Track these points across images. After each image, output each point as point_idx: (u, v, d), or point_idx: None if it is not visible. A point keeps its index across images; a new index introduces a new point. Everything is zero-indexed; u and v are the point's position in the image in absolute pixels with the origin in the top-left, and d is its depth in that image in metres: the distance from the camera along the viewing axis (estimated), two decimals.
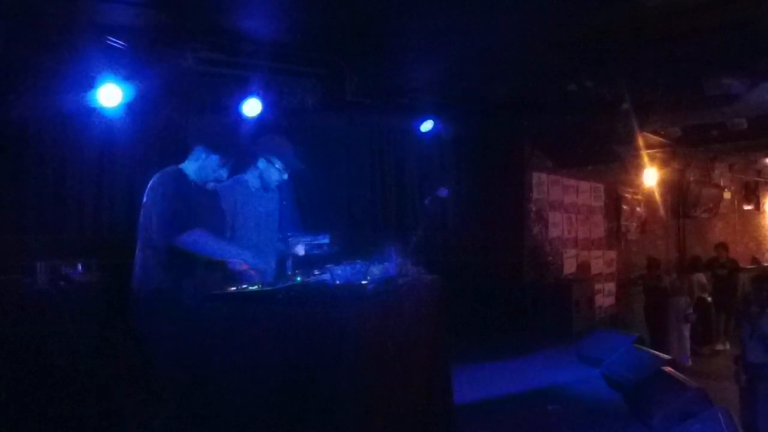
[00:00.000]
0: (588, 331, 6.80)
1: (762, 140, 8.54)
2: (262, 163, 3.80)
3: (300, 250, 3.73)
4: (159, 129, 4.91)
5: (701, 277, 9.53)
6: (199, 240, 3.08)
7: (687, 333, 8.68)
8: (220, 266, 3.18)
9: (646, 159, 9.04)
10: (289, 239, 3.80)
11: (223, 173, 3.32)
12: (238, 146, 3.49)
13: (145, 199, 3.19)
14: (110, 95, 4.30)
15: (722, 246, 9.97)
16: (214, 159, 3.27)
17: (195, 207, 3.18)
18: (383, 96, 5.89)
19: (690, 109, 6.76)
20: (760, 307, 4.82)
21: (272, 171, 3.80)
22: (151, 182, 3.19)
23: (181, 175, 3.25)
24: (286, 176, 3.85)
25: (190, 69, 4.67)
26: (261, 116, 5.09)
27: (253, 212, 3.81)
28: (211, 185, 3.34)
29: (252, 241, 3.75)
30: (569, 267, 8.77)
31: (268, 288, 2.90)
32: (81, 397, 3.77)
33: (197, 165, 3.28)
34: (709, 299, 9.44)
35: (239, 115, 5.00)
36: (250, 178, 3.83)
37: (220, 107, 4.98)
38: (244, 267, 3.19)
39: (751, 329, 4.81)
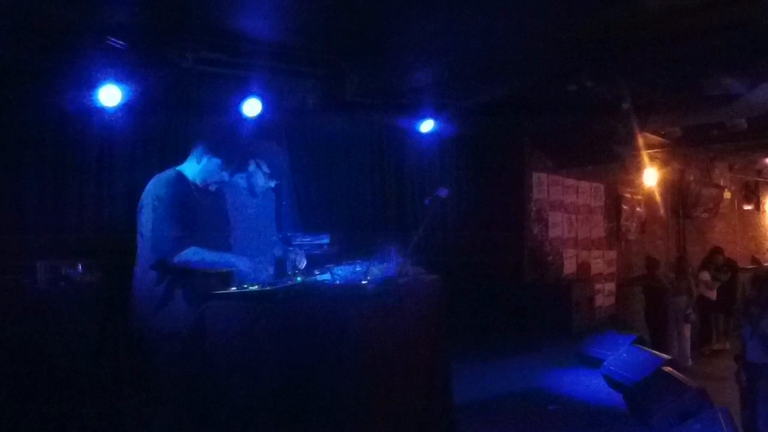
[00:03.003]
0: (588, 331, 6.81)
1: (762, 140, 8.52)
2: (252, 166, 3.80)
3: (302, 262, 3.71)
4: (159, 129, 4.91)
5: (705, 275, 9.56)
6: (191, 260, 3.05)
7: (687, 333, 8.71)
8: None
9: (646, 159, 9.01)
10: (291, 247, 3.78)
11: (226, 176, 3.31)
12: (241, 149, 3.49)
13: (140, 204, 3.16)
14: (110, 95, 4.29)
15: (717, 251, 10.00)
16: (216, 162, 3.25)
17: (194, 211, 3.16)
18: (383, 96, 5.88)
19: (690, 109, 6.75)
20: (761, 307, 4.82)
21: (259, 176, 3.80)
22: (147, 187, 3.17)
23: (180, 179, 3.21)
24: (272, 184, 3.85)
25: (190, 69, 4.66)
26: (261, 116, 5.09)
27: (243, 213, 3.81)
28: (213, 187, 3.32)
29: (246, 242, 3.75)
30: (569, 267, 8.76)
31: (268, 288, 2.90)
32: (81, 397, 3.77)
33: (199, 167, 3.26)
34: (713, 297, 9.48)
35: (239, 115, 5.00)
36: (240, 179, 3.83)
37: (220, 107, 4.97)
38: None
39: (752, 329, 4.82)
